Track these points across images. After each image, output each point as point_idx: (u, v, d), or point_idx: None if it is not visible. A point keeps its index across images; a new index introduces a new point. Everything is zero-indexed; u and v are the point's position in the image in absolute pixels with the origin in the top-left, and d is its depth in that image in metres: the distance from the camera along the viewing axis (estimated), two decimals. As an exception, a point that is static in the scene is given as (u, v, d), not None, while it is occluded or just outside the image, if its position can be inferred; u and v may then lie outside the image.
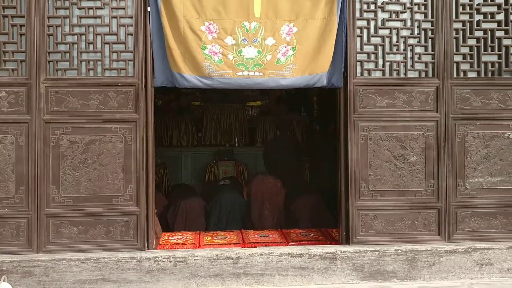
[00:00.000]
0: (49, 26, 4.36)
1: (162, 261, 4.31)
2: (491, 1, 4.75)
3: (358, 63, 4.62)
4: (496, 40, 4.74)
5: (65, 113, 4.35)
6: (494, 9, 4.76)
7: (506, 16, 4.76)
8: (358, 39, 4.61)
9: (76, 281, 4.21)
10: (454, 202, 4.68)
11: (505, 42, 4.75)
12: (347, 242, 4.62)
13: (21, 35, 4.34)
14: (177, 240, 5.18)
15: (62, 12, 4.38)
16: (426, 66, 4.69)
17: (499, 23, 4.76)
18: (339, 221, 4.72)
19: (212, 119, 10.41)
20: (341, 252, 4.47)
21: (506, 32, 4.76)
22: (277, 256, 4.41)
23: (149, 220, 4.47)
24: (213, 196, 6.41)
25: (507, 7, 4.75)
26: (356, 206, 4.60)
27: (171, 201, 6.29)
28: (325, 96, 9.76)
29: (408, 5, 4.66)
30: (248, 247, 4.74)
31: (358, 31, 4.61)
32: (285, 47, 4.55)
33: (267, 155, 7.64)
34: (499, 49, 4.74)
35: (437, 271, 4.52)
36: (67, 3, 4.37)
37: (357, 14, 4.61)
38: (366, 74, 4.64)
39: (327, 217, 6.23)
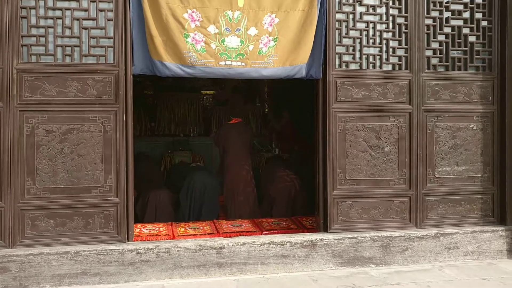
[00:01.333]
0: (22, 8, 4.11)
1: (144, 252, 4.23)
2: (458, -1, 5.02)
3: (337, 56, 4.73)
4: (463, 36, 5.01)
5: (40, 100, 4.14)
6: (461, 7, 5.02)
7: (472, 14, 5.05)
8: (337, 32, 4.72)
9: (55, 275, 4.04)
10: (424, 190, 4.92)
11: (471, 38, 5.03)
12: (325, 230, 4.74)
13: (-9, 16, 4.08)
14: (150, 231, 5.10)
15: (36, -6, 4.15)
16: (400, 59, 4.87)
17: (465, 20, 5.04)
18: (317, 209, 4.84)
19: (166, 109, 10.28)
20: (321, 239, 4.58)
21: (472, 29, 5.04)
22: (259, 245, 4.45)
23: (129, 211, 4.37)
24: (185, 178, 6.32)
25: (472, 5, 5.03)
26: (334, 194, 4.73)
27: (140, 193, 6.15)
28: (276, 88, 9.96)
29: (384, 0, 4.81)
30: (223, 237, 4.77)
31: (337, 24, 4.71)
32: (267, 37, 4.57)
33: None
34: (465, 45, 5.02)
35: (409, 256, 4.75)
36: (42, -16, 4.15)
37: (337, 7, 4.71)
38: (344, 67, 4.76)
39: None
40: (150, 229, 5.21)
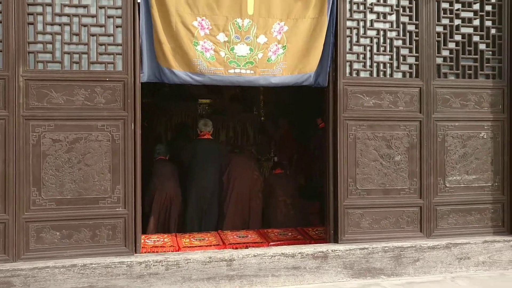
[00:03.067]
0: (29, 14, 4.02)
1: (153, 265, 4.12)
2: (468, 6, 4.97)
3: (348, 63, 4.67)
4: (473, 44, 4.97)
5: (47, 109, 4.03)
6: (471, 14, 4.98)
7: (482, 22, 5.01)
8: (347, 39, 4.66)
9: (61, 290, 3.93)
10: (435, 200, 4.86)
11: (481, 46, 5.00)
12: (336, 240, 4.66)
13: (-3, 23, 3.98)
14: (154, 242, 5.00)
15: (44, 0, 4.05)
16: (411, 67, 4.82)
17: (475, 28, 5.00)
18: (327, 219, 4.75)
19: (164, 117, 10.16)
20: (332, 250, 4.50)
21: (482, 37, 5.00)
22: (270, 257, 4.37)
23: (137, 222, 4.26)
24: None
25: (482, 13, 5.00)
26: (344, 204, 4.65)
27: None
28: (273, 96, 9.92)
29: (395, 7, 4.77)
30: (226, 249, 4.69)
31: (348, 31, 4.65)
32: (276, 45, 4.50)
33: None
34: (476, 53, 4.98)
35: (421, 267, 4.68)
36: (49, -10, 4.06)
37: (347, 15, 4.64)
38: (354, 74, 4.70)
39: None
40: (154, 240, 5.11)
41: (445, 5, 4.88)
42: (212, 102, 10.57)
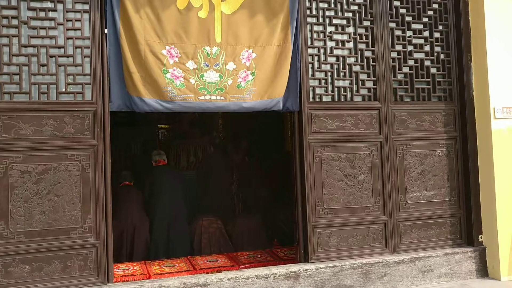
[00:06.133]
0: (-6, 46, 3.99)
1: (127, 294, 4.09)
2: (419, 33, 5.32)
3: (311, 89, 4.87)
4: (425, 68, 5.31)
5: (15, 140, 3.97)
6: (422, 41, 5.34)
7: (431, 48, 5.37)
8: (310, 65, 4.87)
9: (32, 326, 3.82)
10: (397, 216, 5.08)
11: (432, 70, 5.34)
12: (306, 260, 4.77)
13: (-39, 54, 3.92)
14: (124, 271, 4.96)
15: (10, 31, 4.03)
16: (369, 91, 5.08)
17: (426, 53, 5.35)
18: (297, 239, 4.87)
19: (121, 143, 10.05)
20: (303, 270, 4.61)
21: (432, 61, 5.36)
22: (244, 280, 4.42)
23: (109, 251, 4.22)
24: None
25: (432, 40, 5.36)
26: (313, 224, 4.78)
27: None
28: (231, 120, 10.04)
29: (353, 35, 5.04)
30: (200, 273, 4.73)
31: (309, 58, 4.87)
32: (245, 72, 4.64)
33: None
34: (428, 76, 5.32)
35: (388, 281, 4.85)
36: (15, 21, 4.04)
37: (309, 42, 4.87)
38: (317, 99, 4.90)
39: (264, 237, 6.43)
40: (124, 269, 5.06)
41: (398, 32, 5.21)
42: (171, 127, 10.57)
